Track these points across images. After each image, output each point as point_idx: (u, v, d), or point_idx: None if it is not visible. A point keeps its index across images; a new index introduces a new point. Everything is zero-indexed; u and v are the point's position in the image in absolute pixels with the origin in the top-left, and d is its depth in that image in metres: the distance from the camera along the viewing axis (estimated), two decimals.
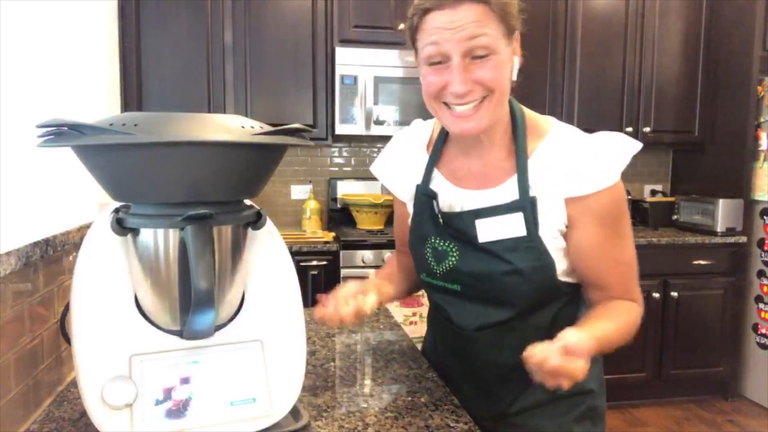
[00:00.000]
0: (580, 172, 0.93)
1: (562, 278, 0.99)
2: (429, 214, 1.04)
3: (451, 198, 1.02)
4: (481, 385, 1.08)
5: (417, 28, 0.91)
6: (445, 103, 0.92)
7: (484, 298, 0.99)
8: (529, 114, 1.02)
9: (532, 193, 0.95)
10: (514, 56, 0.93)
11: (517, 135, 0.98)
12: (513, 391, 1.05)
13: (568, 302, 1.03)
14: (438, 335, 1.18)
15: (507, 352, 1.01)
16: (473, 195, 1.00)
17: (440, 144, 1.07)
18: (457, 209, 1.01)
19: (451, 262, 1.01)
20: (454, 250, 1.01)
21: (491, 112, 0.91)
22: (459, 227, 0.99)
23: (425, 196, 1.04)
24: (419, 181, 1.07)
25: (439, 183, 1.05)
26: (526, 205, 0.95)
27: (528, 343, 0.92)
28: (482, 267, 0.98)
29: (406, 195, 1.12)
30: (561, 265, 0.98)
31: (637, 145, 0.96)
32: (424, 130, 1.12)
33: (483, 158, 1.01)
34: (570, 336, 0.82)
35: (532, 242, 0.95)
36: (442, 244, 1.02)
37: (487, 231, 0.97)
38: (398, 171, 1.13)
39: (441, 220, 1.02)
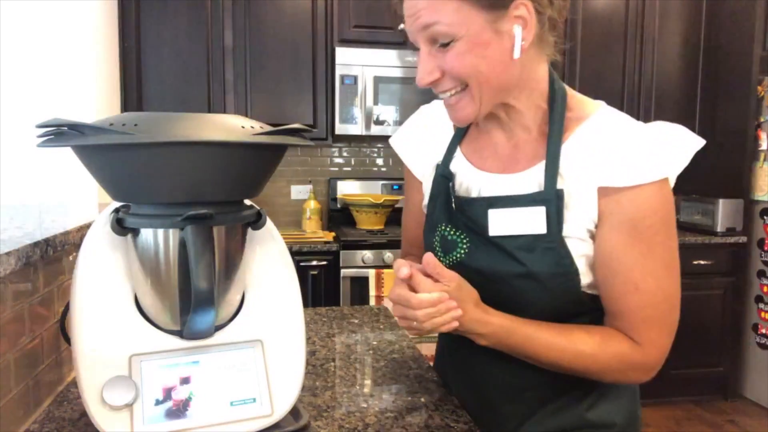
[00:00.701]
0: (618, 159, 0.78)
1: (589, 291, 0.85)
2: (444, 198, 0.93)
3: (469, 181, 0.91)
4: (486, 402, 0.96)
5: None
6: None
7: (489, 302, 0.85)
8: (573, 94, 0.89)
9: (560, 185, 0.82)
10: (515, 27, 0.77)
11: (553, 116, 0.85)
12: (521, 413, 0.93)
13: (595, 320, 0.87)
14: (442, 339, 1.12)
15: (516, 367, 0.90)
16: (493, 179, 0.88)
17: None
18: (474, 192, 0.90)
19: (458, 255, 0.90)
20: (464, 241, 0.89)
21: (476, 100, 0.81)
22: (470, 215, 0.88)
23: (443, 177, 0.93)
24: (440, 159, 0.96)
25: (459, 163, 0.94)
26: (550, 198, 0.81)
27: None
28: (491, 265, 0.86)
29: (423, 173, 1.01)
30: (588, 278, 0.84)
31: (699, 142, 0.80)
32: None
33: (513, 138, 0.89)
34: (421, 294, 0.78)
35: (552, 243, 0.81)
36: (452, 233, 0.91)
37: (501, 223, 0.85)
38: (420, 145, 1.02)
39: (454, 205, 0.91)
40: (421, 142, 1.02)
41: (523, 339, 0.84)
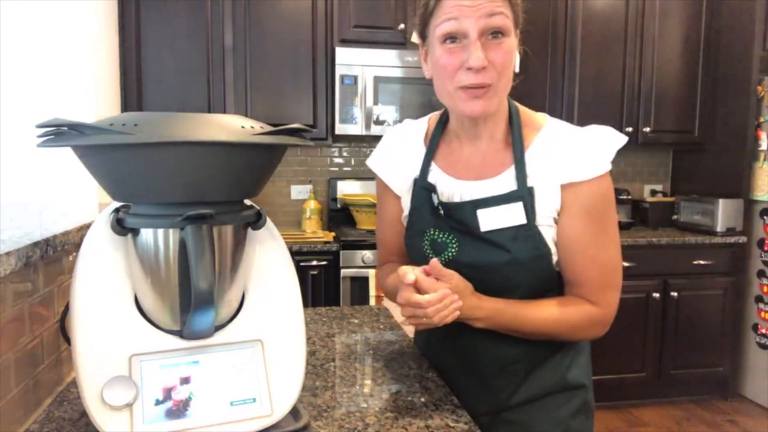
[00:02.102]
0: (575, 159, 0.96)
1: (557, 268, 1.02)
2: (428, 206, 1.05)
3: (450, 189, 1.04)
4: (479, 378, 1.08)
5: (433, 9, 0.95)
6: (460, 88, 0.94)
7: (482, 290, 0.99)
8: (523, 109, 1.06)
9: (529, 183, 0.98)
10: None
11: (513, 127, 1.02)
12: (512, 383, 1.06)
13: (561, 292, 1.05)
14: (433, 339, 1.18)
15: (506, 344, 1.04)
16: (472, 185, 1.02)
17: (437, 137, 1.09)
18: (456, 198, 1.03)
19: (450, 254, 1.03)
20: (453, 241, 1.03)
21: (498, 95, 0.95)
22: (460, 218, 1.01)
23: (424, 189, 1.06)
24: (416, 174, 1.08)
25: (436, 175, 1.06)
26: (524, 195, 0.97)
27: None
28: (482, 257, 1.00)
29: (401, 189, 1.13)
30: (556, 257, 1.01)
31: (622, 139, 0.99)
32: (420, 125, 1.14)
33: (481, 150, 1.04)
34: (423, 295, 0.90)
35: (530, 230, 0.97)
36: (441, 235, 1.04)
37: (489, 220, 0.99)
38: (395, 164, 1.13)
39: (442, 212, 1.03)
40: (395, 161, 1.14)
41: (511, 317, 0.99)
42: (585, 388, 1.09)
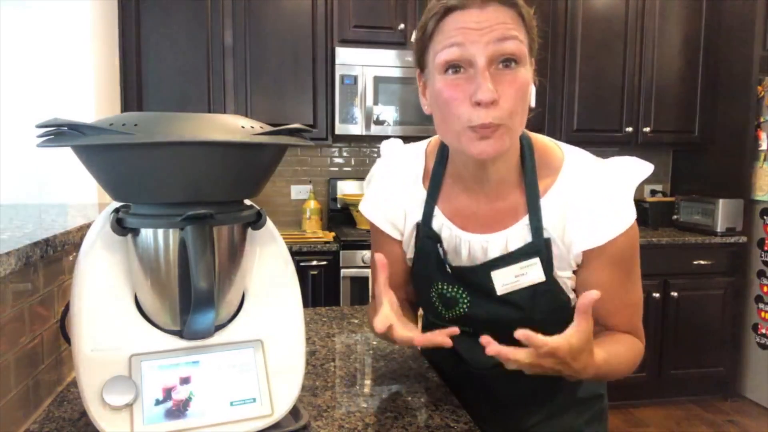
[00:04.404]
0: (597, 220, 0.86)
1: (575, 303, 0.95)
2: (434, 258, 0.96)
3: (456, 242, 0.94)
4: (498, 406, 1.05)
5: (432, 34, 0.81)
6: (468, 127, 0.80)
7: (499, 338, 0.86)
8: (539, 144, 0.92)
9: (546, 234, 0.89)
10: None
11: (526, 170, 0.90)
12: (530, 408, 1.05)
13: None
14: (446, 366, 1.12)
15: (525, 381, 0.90)
16: (481, 239, 0.92)
17: (438, 177, 0.97)
18: (464, 252, 0.94)
19: (462, 309, 0.95)
20: (464, 297, 0.94)
21: (511, 134, 0.81)
22: (473, 280, 0.92)
23: (428, 238, 0.96)
24: (418, 218, 0.97)
25: (441, 223, 0.96)
26: (541, 248, 0.88)
27: None
28: (498, 314, 0.92)
29: (402, 232, 1.02)
30: (574, 301, 0.95)
31: (648, 168, 0.90)
32: (416, 163, 1.00)
33: (490, 197, 0.92)
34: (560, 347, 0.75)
35: (549, 286, 0.90)
36: (450, 290, 0.95)
37: (505, 282, 0.90)
38: (392, 210, 1.01)
39: (450, 270, 0.94)
40: (392, 207, 1.01)
41: (605, 372, 0.86)
42: (600, 397, 1.06)
